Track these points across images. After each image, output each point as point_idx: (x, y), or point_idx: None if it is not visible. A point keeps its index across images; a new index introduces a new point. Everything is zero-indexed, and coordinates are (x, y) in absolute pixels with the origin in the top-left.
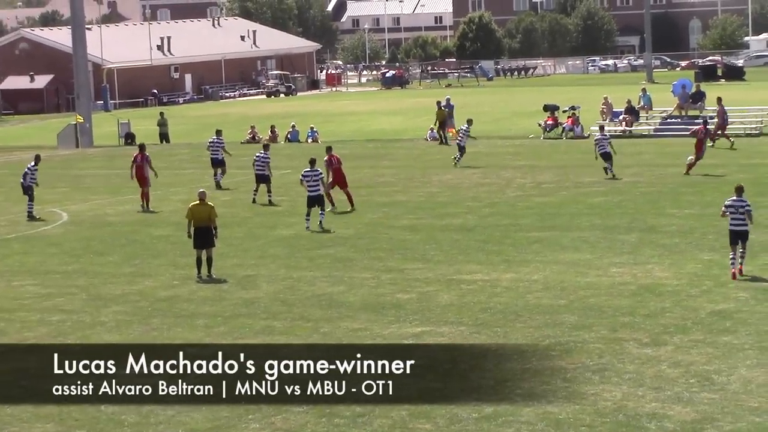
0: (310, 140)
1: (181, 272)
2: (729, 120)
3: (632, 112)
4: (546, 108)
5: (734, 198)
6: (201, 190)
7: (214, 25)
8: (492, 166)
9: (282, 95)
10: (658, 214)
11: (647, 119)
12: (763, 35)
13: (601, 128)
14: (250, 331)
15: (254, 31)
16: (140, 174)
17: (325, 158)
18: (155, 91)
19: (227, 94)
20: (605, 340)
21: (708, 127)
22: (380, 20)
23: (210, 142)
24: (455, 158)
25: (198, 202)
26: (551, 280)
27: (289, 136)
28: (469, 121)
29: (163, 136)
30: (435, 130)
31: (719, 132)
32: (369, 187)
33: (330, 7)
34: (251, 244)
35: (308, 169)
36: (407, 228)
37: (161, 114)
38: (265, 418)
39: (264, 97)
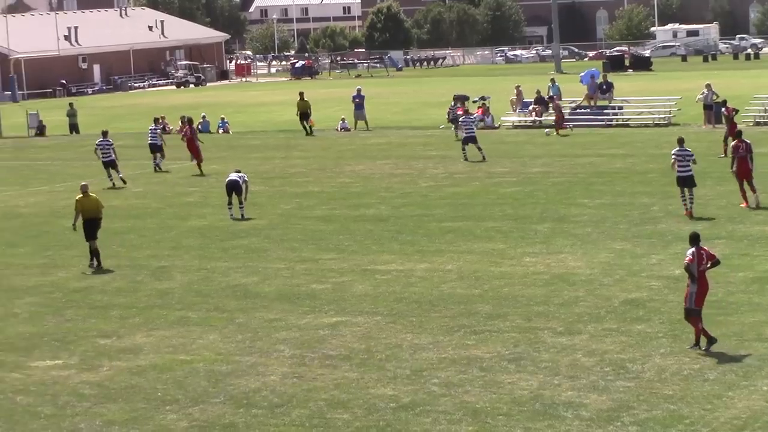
0: (221, 131)
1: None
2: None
3: (542, 103)
4: (456, 98)
5: (678, 149)
6: (83, 183)
7: (121, 15)
8: (403, 157)
9: (191, 86)
10: (569, 204)
11: None
12: (669, 26)
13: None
14: (165, 322)
15: (162, 21)
16: (193, 147)
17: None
18: (64, 81)
19: (136, 85)
20: (520, 329)
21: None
22: (288, 10)
23: (151, 129)
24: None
25: (82, 195)
26: (465, 270)
27: (200, 126)
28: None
29: (73, 127)
30: (345, 121)
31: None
32: (281, 178)
33: None
34: (164, 235)
35: (232, 173)
36: (321, 218)
37: (70, 105)
38: (183, 409)
39: (173, 87)
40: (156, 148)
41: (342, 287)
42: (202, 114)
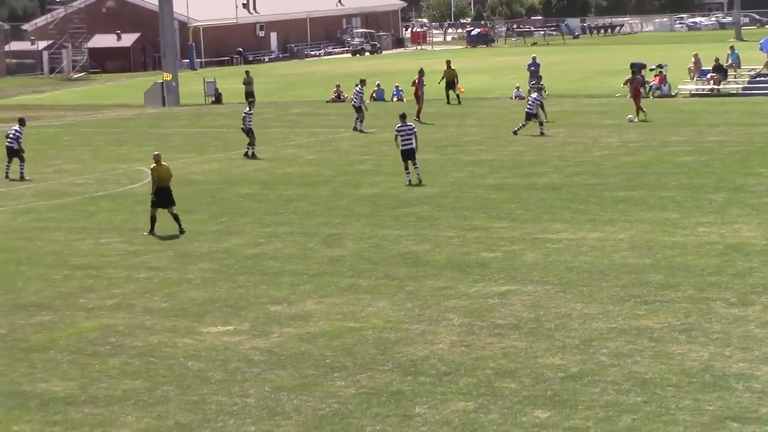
0: (395, 99)
1: (267, 230)
2: None
3: (720, 71)
4: (633, 66)
5: None
6: (156, 152)
7: None
8: (578, 125)
9: (367, 53)
10: (746, 174)
11: (735, 77)
12: None
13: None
14: (335, 289)
15: None
16: (417, 94)
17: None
18: (241, 49)
19: (312, 53)
20: (692, 300)
21: None
22: None
23: (356, 91)
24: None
25: (156, 163)
26: (638, 240)
27: (374, 94)
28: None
29: (249, 95)
30: (519, 89)
31: None
32: (455, 146)
33: None
34: (336, 203)
35: (400, 125)
36: (493, 187)
37: (247, 72)
38: (351, 376)
39: (349, 55)
40: (358, 110)
41: (512, 256)
42: (377, 82)
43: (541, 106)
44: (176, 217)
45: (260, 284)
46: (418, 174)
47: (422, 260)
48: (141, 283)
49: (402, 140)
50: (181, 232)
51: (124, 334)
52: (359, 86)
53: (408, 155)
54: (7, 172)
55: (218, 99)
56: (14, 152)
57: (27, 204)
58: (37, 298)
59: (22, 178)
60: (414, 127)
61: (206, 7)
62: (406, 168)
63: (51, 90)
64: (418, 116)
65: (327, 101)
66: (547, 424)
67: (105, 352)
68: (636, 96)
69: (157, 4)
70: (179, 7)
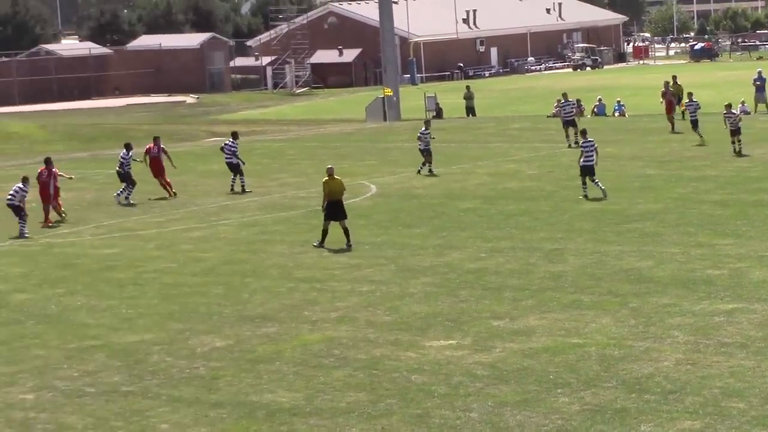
0: (617, 114)
1: (489, 245)
2: None
3: None
4: None
5: None
6: (329, 166)
7: None
8: None
9: (588, 68)
10: None
11: None
12: None
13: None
14: (557, 305)
15: (560, 4)
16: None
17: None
18: (461, 64)
19: (533, 68)
20: None
21: None
22: None
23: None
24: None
25: (328, 177)
26: None
27: (595, 109)
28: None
29: (470, 110)
30: (745, 104)
31: None
32: (678, 162)
33: None
34: (558, 218)
35: (583, 141)
36: (717, 203)
37: (467, 87)
38: (574, 392)
39: (570, 70)
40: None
41: (739, 273)
42: (598, 97)
43: None
44: (346, 231)
45: (482, 299)
46: (601, 188)
47: (645, 276)
48: (364, 297)
49: (584, 156)
50: (348, 246)
51: (347, 346)
52: (564, 100)
53: (586, 171)
54: (232, 186)
55: (439, 114)
56: (234, 167)
57: (252, 217)
58: (262, 310)
59: (243, 191)
60: (594, 143)
61: (426, 22)
62: (584, 183)
63: (275, 105)
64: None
65: (548, 116)
66: None
67: (329, 365)
68: None
69: (378, 19)
70: (400, 22)
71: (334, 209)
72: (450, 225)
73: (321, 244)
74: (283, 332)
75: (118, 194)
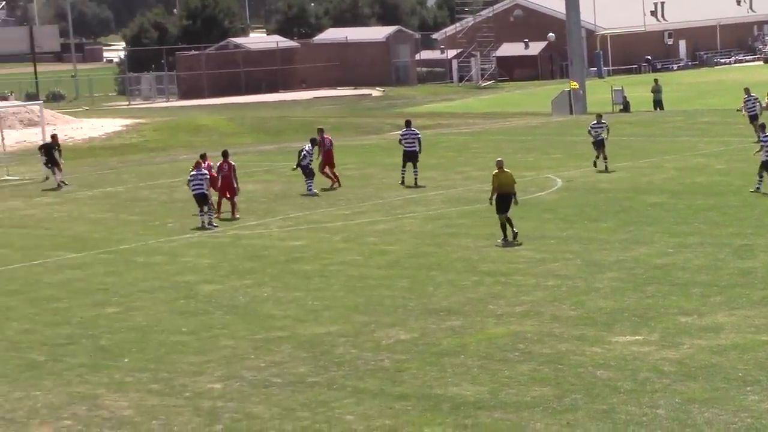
0: None
1: (676, 240)
2: None
3: None
4: None
5: None
6: (498, 159)
7: None
8: None
9: None
10: None
11: None
12: None
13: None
14: (747, 302)
15: None
16: None
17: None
18: (649, 57)
19: (722, 60)
20: None
21: None
22: None
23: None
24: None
25: (498, 170)
26: None
27: None
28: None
29: (657, 103)
30: None
31: None
32: None
33: None
34: (748, 213)
35: (763, 135)
36: None
37: (655, 81)
38: (764, 390)
39: (761, 63)
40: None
41: None
42: None
43: None
44: (509, 221)
45: (669, 295)
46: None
47: None
48: (549, 291)
49: (764, 150)
50: (504, 239)
51: (532, 341)
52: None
53: (766, 166)
54: (403, 178)
55: (626, 107)
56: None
57: (437, 210)
58: (447, 303)
59: (416, 185)
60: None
61: (613, 14)
62: (760, 176)
63: (460, 98)
64: None
65: (737, 110)
66: None
67: (514, 359)
68: None
69: (564, 12)
70: (586, 15)
71: (504, 202)
72: (637, 220)
73: (505, 239)
74: (468, 326)
75: (310, 188)
